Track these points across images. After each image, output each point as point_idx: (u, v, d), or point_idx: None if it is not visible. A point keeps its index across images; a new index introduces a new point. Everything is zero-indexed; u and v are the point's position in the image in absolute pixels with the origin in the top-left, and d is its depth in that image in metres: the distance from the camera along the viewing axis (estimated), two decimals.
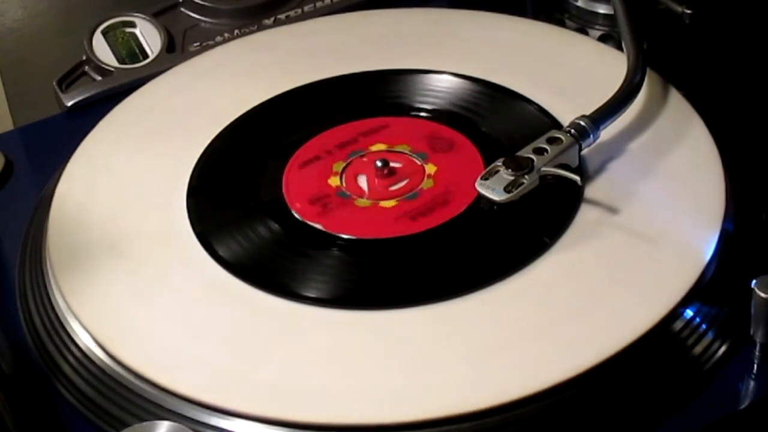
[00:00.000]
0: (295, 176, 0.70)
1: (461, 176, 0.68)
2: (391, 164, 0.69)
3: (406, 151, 0.70)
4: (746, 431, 0.59)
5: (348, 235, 0.65)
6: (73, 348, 0.62)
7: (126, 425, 0.57)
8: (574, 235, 0.64)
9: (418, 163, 0.69)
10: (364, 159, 0.70)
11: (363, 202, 0.68)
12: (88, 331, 0.62)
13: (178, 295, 0.63)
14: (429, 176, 0.68)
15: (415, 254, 0.64)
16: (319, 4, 0.86)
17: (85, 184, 0.71)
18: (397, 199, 0.67)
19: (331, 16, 0.84)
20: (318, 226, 0.66)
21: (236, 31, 0.84)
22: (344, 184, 0.69)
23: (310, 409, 0.57)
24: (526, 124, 0.71)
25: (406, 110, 0.74)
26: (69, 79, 0.82)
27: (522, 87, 0.73)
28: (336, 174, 0.69)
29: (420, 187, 0.68)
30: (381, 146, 0.71)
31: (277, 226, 0.66)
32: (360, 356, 0.59)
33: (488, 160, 0.67)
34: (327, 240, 0.65)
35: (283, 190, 0.69)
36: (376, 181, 0.69)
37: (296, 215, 0.67)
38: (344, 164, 0.70)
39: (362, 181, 0.69)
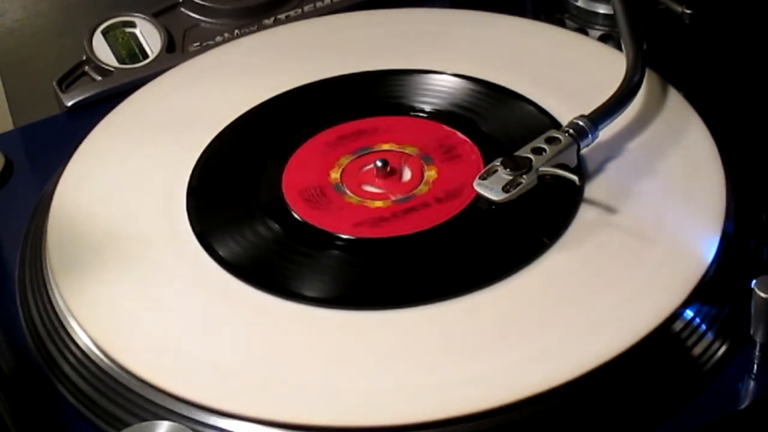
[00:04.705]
0: (306, 155, 0.70)
1: (458, 184, 0.67)
2: (392, 165, 0.69)
3: (413, 153, 0.70)
4: (746, 431, 0.59)
5: (325, 228, 0.65)
6: (73, 348, 0.62)
7: (126, 425, 0.57)
8: (573, 236, 0.64)
9: (421, 166, 0.69)
10: (372, 156, 0.70)
11: (352, 198, 0.68)
12: (87, 332, 0.62)
13: (177, 296, 0.63)
14: (426, 182, 0.68)
15: (415, 254, 0.64)
16: (319, 4, 0.86)
17: (85, 185, 0.71)
18: (386, 201, 0.67)
19: (331, 16, 0.84)
20: (296, 214, 0.66)
21: (236, 31, 0.84)
22: (342, 179, 0.69)
23: (309, 409, 0.57)
24: (525, 124, 0.71)
25: (406, 110, 0.74)
26: (69, 79, 0.82)
27: (522, 87, 0.73)
28: (340, 167, 0.69)
29: (413, 192, 0.67)
30: (391, 146, 0.71)
31: (277, 226, 0.66)
32: (360, 356, 0.59)
33: (488, 160, 0.67)
34: (327, 240, 0.65)
35: (286, 171, 0.69)
36: (376, 180, 0.69)
37: (296, 215, 0.67)
38: (351, 158, 0.70)
39: (362, 178, 0.69)
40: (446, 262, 0.64)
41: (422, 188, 0.68)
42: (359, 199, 0.68)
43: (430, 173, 0.69)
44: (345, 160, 0.70)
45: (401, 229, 0.65)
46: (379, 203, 0.67)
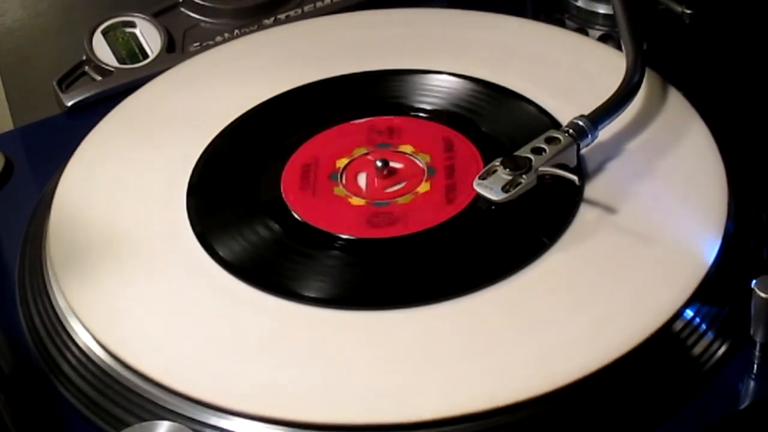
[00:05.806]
0: (326, 138, 0.71)
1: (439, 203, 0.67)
2: (392, 165, 0.69)
3: (421, 162, 0.70)
4: (746, 431, 0.59)
5: (303, 219, 0.66)
6: (73, 348, 0.62)
7: (126, 425, 0.57)
8: (573, 236, 0.64)
9: (420, 177, 0.69)
10: (389, 151, 0.70)
11: (339, 191, 0.68)
12: (88, 331, 0.62)
13: (177, 295, 0.63)
14: (414, 193, 0.68)
15: (415, 254, 0.64)
16: (319, 4, 0.86)
17: (86, 184, 0.71)
18: (368, 200, 0.67)
19: (331, 15, 0.84)
20: (296, 214, 0.66)
21: (236, 31, 0.85)
22: (343, 168, 0.69)
23: (309, 408, 0.57)
24: (525, 124, 0.71)
25: (406, 110, 0.74)
26: (69, 79, 0.82)
27: (522, 87, 0.73)
28: (349, 156, 0.70)
29: (395, 200, 0.67)
30: (409, 148, 0.71)
31: (277, 226, 0.66)
32: (359, 356, 0.59)
33: (488, 160, 0.67)
34: (327, 240, 0.65)
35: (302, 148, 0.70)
36: (375, 180, 0.69)
37: (296, 215, 0.67)
38: (365, 151, 0.70)
39: (361, 174, 0.69)
40: (446, 263, 0.64)
41: (406, 198, 0.67)
42: (345, 192, 0.68)
43: (423, 186, 0.68)
44: (358, 152, 0.70)
45: (401, 230, 0.65)
46: (359, 201, 0.67)
